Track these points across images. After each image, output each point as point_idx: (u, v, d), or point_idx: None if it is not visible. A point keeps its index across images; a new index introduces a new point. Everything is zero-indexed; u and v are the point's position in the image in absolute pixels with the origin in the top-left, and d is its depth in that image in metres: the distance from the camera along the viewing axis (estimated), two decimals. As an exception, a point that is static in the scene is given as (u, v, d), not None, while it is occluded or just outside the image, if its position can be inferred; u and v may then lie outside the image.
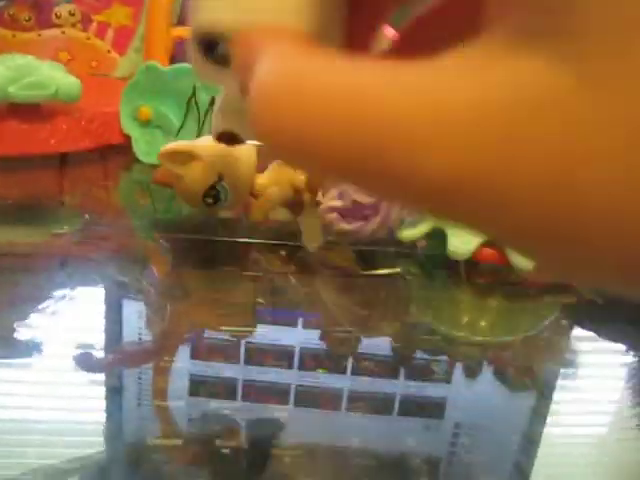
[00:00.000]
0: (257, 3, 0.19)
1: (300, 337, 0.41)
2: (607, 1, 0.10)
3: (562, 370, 0.41)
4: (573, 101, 0.11)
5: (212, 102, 0.59)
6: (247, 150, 0.48)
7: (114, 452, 0.30)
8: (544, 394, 0.38)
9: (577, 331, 0.45)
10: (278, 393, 0.35)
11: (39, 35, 0.81)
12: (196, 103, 0.61)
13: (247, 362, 0.37)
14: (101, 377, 0.35)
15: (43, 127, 0.61)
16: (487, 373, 0.40)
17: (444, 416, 0.35)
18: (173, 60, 0.69)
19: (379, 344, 0.41)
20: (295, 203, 0.49)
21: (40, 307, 0.40)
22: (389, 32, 0.20)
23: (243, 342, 0.39)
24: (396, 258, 0.50)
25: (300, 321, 0.42)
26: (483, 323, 0.45)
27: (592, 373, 0.41)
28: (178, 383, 0.35)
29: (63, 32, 0.82)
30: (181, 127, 0.62)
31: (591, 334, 0.45)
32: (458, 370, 0.39)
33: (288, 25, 0.18)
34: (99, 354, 0.36)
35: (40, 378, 0.34)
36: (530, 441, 0.34)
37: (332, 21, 0.19)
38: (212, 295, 0.45)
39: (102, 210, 0.57)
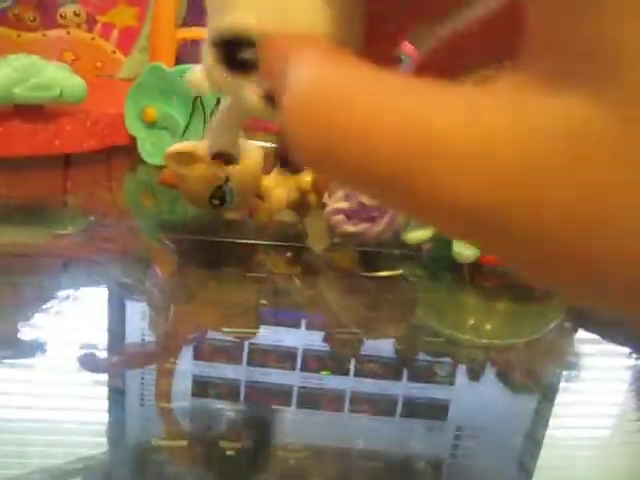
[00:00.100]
0: (288, 7, 0.18)
1: (303, 338, 0.41)
2: None
3: (566, 372, 0.41)
4: (609, 136, 0.11)
5: (218, 102, 0.59)
6: (253, 151, 0.48)
7: (117, 452, 0.30)
8: (547, 397, 0.38)
9: (581, 333, 0.45)
10: (281, 394, 0.35)
11: (44, 35, 0.81)
12: (202, 104, 0.60)
13: (250, 363, 0.37)
14: (104, 378, 0.35)
15: (48, 128, 0.61)
16: (490, 375, 0.39)
17: (447, 418, 0.35)
18: (178, 61, 0.69)
19: (382, 346, 0.41)
20: (301, 205, 0.49)
21: (44, 308, 0.40)
22: (409, 49, 0.20)
23: (246, 343, 0.39)
24: (401, 260, 0.50)
25: (303, 322, 0.42)
26: (487, 326, 0.45)
27: (596, 376, 0.41)
28: (181, 384, 0.35)
29: (68, 32, 0.82)
30: (187, 128, 0.62)
31: (595, 337, 0.45)
32: (462, 372, 0.39)
33: (319, 31, 0.18)
34: (103, 355, 0.36)
35: (43, 378, 0.34)
36: (533, 444, 0.34)
37: (352, 33, 0.19)
38: (216, 296, 0.45)
39: (107, 211, 0.57)
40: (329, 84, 0.14)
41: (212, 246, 0.50)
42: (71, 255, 0.48)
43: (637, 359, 0.42)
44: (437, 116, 0.12)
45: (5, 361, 0.35)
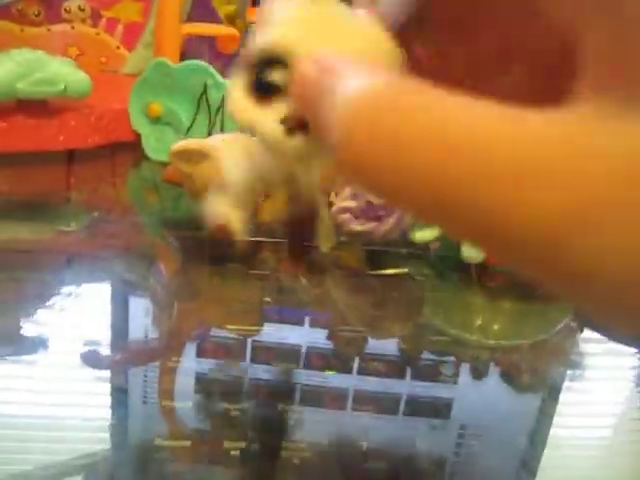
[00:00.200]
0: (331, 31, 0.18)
1: (307, 336, 0.40)
2: None
3: (570, 372, 0.41)
4: None
5: (223, 100, 0.59)
6: (258, 149, 0.47)
7: (120, 450, 0.30)
8: (552, 396, 0.38)
9: (587, 333, 0.45)
10: (284, 392, 0.35)
11: (48, 30, 0.81)
12: (207, 100, 0.60)
13: (253, 361, 0.37)
14: (107, 375, 0.35)
15: (51, 123, 0.61)
16: (494, 375, 0.39)
17: (451, 417, 0.35)
18: (183, 57, 0.69)
19: (386, 344, 0.41)
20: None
21: (46, 304, 0.40)
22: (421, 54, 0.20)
23: (250, 341, 0.38)
24: (408, 259, 0.49)
25: (307, 320, 0.42)
26: (494, 326, 0.45)
27: (601, 375, 0.41)
28: (184, 381, 0.35)
29: (72, 27, 0.82)
30: (191, 125, 0.61)
31: (600, 336, 0.45)
32: (466, 371, 0.39)
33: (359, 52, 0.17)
34: (106, 352, 0.36)
35: (46, 375, 0.34)
36: (537, 443, 0.34)
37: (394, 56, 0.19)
38: (220, 293, 0.45)
39: (111, 207, 0.57)
40: (392, 98, 0.14)
41: (215, 244, 0.50)
42: (74, 251, 0.48)
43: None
44: (519, 134, 0.12)
45: (8, 357, 0.35)
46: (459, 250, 0.46)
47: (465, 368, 0.39)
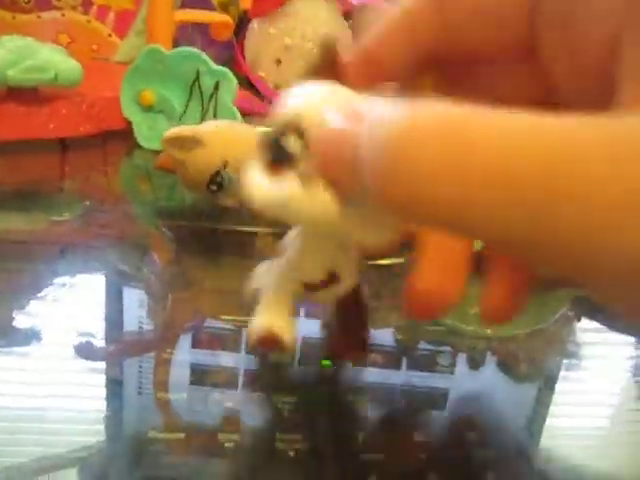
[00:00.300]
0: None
1: (302, 327, 0.40)
2: None
3: (567, 361, 0.40)
4: None
5: (216, 86, 0.58)
6: (252, 136, 0.47)
7: (114, 442, 0.29)
8: (548, 386, 0.38)
9: (584, 322, 0.45)
10: (279, 383, 0.35)
11: (38, 17, 0.80)
12: (199, 87, 0.60)
13: (248, 352, 0.37)
14: (101, 366, 0.34)
15: (42, 111, 0.60)
16: (491, 365, 0.39)
17: (446, 407, 0.35)
18: (175, 44, 0.68)
19: (382, 335, 0.41)
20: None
21: (39, 295, 0.39)
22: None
23: (245, 332, 0.38)
24: (402, 248, 0.49)
25: (302, 311, 0.42)
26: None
27: (598, 365, 0.41)
28: (179, 372, 0.34)
29: (63, 14, 0.81)
30: (184, 112, 0.61)
31: (598, 325, 0.45)
32: (462, 361, 0.39)
33: None
34: (99, 343, 0.36)
35: (39, 366, 0.34)
36: (534, 433, 0.34)
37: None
38: (214, 284, 0.45)
39: (103, 196, 0.57)
40: (442, 125, 0.13)
41: (209, 233, 0.50)
42: (67, 241, 0.48)
43: (641, 348, 0.42)
44: (588, 162, 0.11)
45: (0, 349, 0.34)
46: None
47: (462, 358, 0.39)
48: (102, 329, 0.37)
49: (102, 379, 0.33)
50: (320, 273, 0.31)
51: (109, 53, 0.82)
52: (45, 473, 0.27)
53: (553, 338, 0.42)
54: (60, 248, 0.47)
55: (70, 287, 0.41)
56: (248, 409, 0.32)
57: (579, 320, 0.45)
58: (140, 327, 0.39)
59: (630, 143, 0.11)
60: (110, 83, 0.67)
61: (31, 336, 0.35)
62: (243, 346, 0.37)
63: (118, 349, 0.36)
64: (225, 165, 0.45)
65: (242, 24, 0.84)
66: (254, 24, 0.84)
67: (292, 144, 0.18)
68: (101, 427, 0.30)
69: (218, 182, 0.45)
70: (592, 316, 0.45)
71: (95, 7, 0.82)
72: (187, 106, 0.61)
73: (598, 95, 0.15)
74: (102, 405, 0.32)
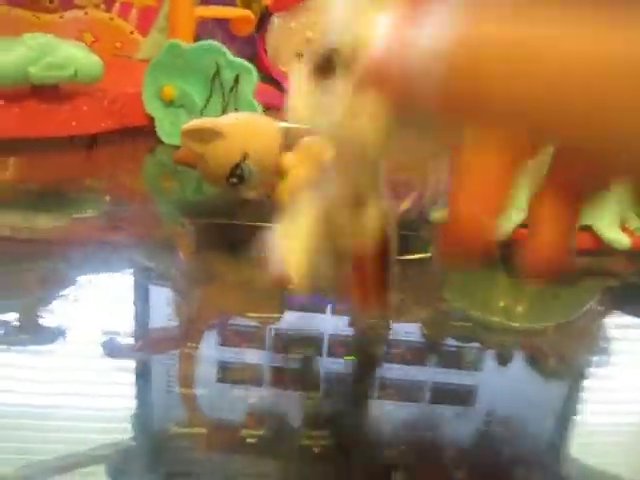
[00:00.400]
0: None
1: (327, 324, 0.39)
2: None
3: (598, 357, 0.39)
4: None
5: (236, 79, 0.58)
6: (272, 128, 0.46)
7: (139, 439, 0.29)
8: (578, 382, 0.37)
9: (617, 316, 0.44)
10: (305, 380, 0.34)
11: (61, 17, 0.80)
12: (220, 82, 0.59)
13: (273, 349, 0.36)
14: (127, 364, 0.34)
15: (63, 108, 0.60)
16: (519, 360, 0.38)
17: (475, 404, 0.34)
18: (197, 40, 0.68)
19: (410, 331, 0.40)
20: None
21: (64, 293, 0.39)
22: None
23: (270, 328, 0.38)
24: (429, 242, 0.48)
25: (329, 308, 0.41)
26: (519, 308, 0.44)
27: (628, 361, 0.40)
28: (204, 370, 0.34)
29: (86, 13, 0.81)
30: (205, 106, 0.61)
31: (633, 319, 0.44)
32: (490, 357, 0.38)
33: None
34: (125, 340, 0.36)
35: (65, 364, 0.34)
36: (564, 430, 0.33)
37: None
38: (238, 279, 0.44)
39: (126, 193, 0.57)
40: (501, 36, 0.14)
41: (233, 229, 0.49)
42: (92, 239, 0.48)
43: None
44: None
45: (26, 347, 0.35)
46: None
47: (490, 354, 0.38)
48: (127, 326, 0.37)
49: (128, 376, 0.33)
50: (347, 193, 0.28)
51: (132, 50, 0.82)
52: (69, 470, 0.27)
53: (583, 332, 0.41)
54: (85, 246, 0.47)
55: (94, 284, 0.41)
56: (272, 405, 0.32)
57: (609, 314, 0.44)
58: (166, 324, 0.39)
59: None
60: (132, 79, 0.67)
61: (56, 334, 0.35)
62: (268, 343, 0.37)
63: (143, 346, 0.36)
64: (245, 157, 0.45)
65: (264, 19, 0.84)
66: (275, 19, 0.83)
67: (342, 53, 0.18)
68: (127, 423, 0.30)
69: (238, 175, 0.45)
70: (624, 308, 0.44)
71: (118, 5, 0.82)
72: (208, 100, 0.61)
73: None
74: (128, 402, 0.31)
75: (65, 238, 0.47)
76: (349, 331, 0.39)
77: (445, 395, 0.34)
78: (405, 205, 0.45)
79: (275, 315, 0.39)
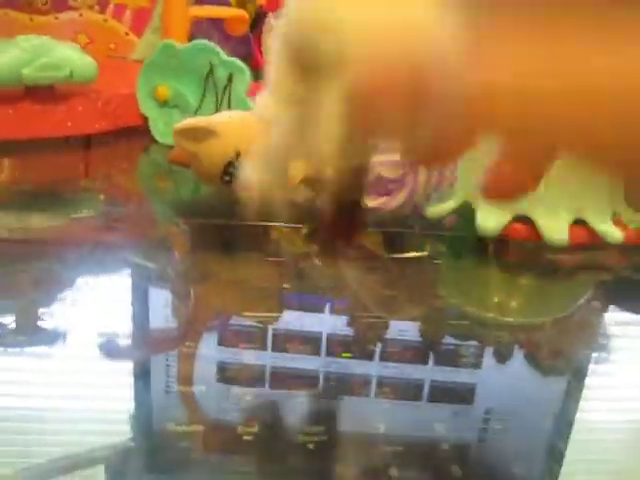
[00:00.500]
0: None
1: (327, 323, 0.40)
2: None
3: (596, 353, 0.39)
4: None
5: (230, 78, 0.58)
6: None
7: (138, 440, 0.29)
8: (577, 378, 0.37)
9: (612, 311, 0.44)
10: (305, 379, 0.34)
11: (56, 18, 0.80)
12: (214, 80, 0.59)
13: (273, 348, 0.36)
14: (125, 365, 0.34)
15: (58, 109, 0.61)
16: (518, 357, 0.38)
17: (474, 402, 0.34)
18: (191, 40, 0.68)
19: (407, 329, 0.40)
20: (317, 180, 0.47)
21: (61, 293, 0.39)
22: None
23: (270, 328, 0.38)
24: (424, 240, 0.48)
25: (327, 306, 0.41)
26: (514, 304, 0.44)
27: (627, 356, 0.40)
28: (203, 370, 0.34)
29: (80, 14, 0.81)
30: (199, 106, 0.61)
31: (627, 314, 0.44)
32: (488, 354, 0.38)
33: None
34: (122, 340, 0.36)
35: (61, 365, 0.34)
36: (563, 427, 0.33)
37: None
38: (236, 279, 0.44)
39: (120, 193, 0.57)
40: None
41: (228, 228, 0.49)
42: (88, 239, 0.48)
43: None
44: None
45: (24, 349, 0.34)
46: (474, 223, 0.45)
47: (488, 351, 0.38)
48: (124, 326, 0.37)
49: (126, 378, 0.33)
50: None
51: (127, 51, 0.82)
52: (69, 472, 0.27)
53: (579, 327, 0.41)
54: (79, 246, 0.47)
55: (91, 284, 0.41)
56: (268, 403, 0.32)
57: (606, 311, 0.44)
58: (163, 324, 0.39)
59: None
60: (126, 80, 0.67)
61: (54, 335, 0.35)
62: (269, 343, 0.37)
63: (141, 347, 0.36)
64: (238, 155, 0.45)
65: (259, 19, 0.84)
66: (271, 18, 0.83)
67: (321, 46, 0.17)
68: (126, 424, 0.30)
69: (231, 172, 0.45)
70: (619, 303, 0.44)
71: (112, 6, 0.82)
72: (202, 100, 0.61)
73: None
74: (126, 403, 0.31)
75: (60, 239, 0.47)
76: (347, 330, 0.39)
77: (442, 392, 0.34)
78: (397, 201, 0.45)
79: (273, 314, 0.39)
